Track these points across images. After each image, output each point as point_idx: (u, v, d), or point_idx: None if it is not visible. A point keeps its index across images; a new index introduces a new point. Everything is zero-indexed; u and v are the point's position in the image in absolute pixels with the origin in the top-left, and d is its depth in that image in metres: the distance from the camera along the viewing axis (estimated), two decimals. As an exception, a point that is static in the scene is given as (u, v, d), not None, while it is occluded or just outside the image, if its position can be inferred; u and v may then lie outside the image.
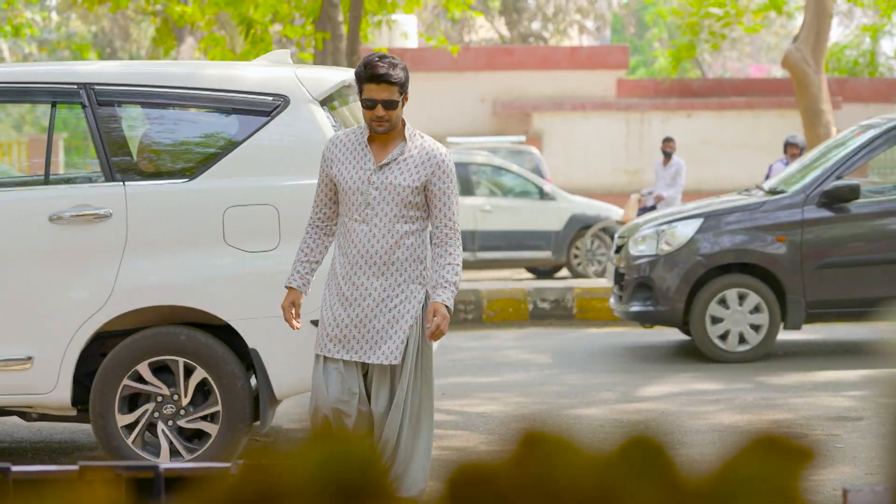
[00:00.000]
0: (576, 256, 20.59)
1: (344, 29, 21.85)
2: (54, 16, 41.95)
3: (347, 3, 21.40)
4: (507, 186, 21.07)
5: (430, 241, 6.18)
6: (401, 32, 32.47)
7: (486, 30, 50.18)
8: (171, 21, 25.19)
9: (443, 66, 30.16)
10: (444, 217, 6.17)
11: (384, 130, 6.09)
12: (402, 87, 6.06)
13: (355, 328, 6.12)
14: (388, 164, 6.12)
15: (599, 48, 33.04)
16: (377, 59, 6.05)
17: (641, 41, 60.29)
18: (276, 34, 29.10)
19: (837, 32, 49.58)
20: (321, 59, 25.04)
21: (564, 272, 21.60)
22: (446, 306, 6.03)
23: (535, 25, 48.77)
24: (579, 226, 20.63)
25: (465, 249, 19.90)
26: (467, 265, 19.84)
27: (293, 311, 6.22)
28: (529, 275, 21.60)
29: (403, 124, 6.18)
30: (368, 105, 6.05)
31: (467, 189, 20.63)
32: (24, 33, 32.96)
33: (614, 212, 21.03)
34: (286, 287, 6.28)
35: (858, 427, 9.13)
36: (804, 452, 1.10)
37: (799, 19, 37.54)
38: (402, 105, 6.09)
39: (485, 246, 20.44)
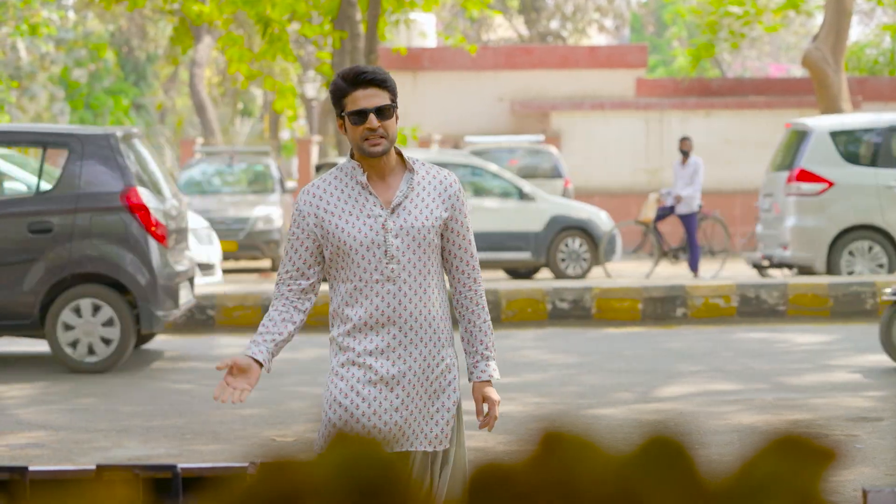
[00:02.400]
0: (563, 260, 20.51)
1: (362, 28, 21.87)
2: (71, 15, 42.07)
3: (366, 2, 21.41)
4: (486, 187, 20.88)
5: (454, 293, 5.02)
6: (419, 32, 32.49)
7: (504, 29, 50.19)
8: (188, 20, 25.23)
9: (461, 66, 30.17)
10: (469, 261, 5.00)
11: (381, 150, 4.78)
12: (394, 94, 4.85)
13: (396, 412, 4.87)
14: (400, 203, 4.86)
15: (618, 47, 33.02)
16: (356, 66, 4.89)
17: (661, 40, 60.25)
18: (294, 33, 29.13)
19: (857, 31, 49.50)
20: (339, 58, 25.06)
21: (543, 273, 21.53)
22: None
23: (554, 24, 48.76)
24: (560, 227, 20.50)
25: None
26: None
27: (232, 379, 4.92)
28: (547, 276, 21.59)
29: (398, 152, 4.94)
30: (356, 119, 4.76)
31: None
32: (41, 32, 33.07)
33: (595, 213, 20.90)
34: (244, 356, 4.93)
35: (878, 428, 9.12)
36: (825, 453, 1.10)
37: (818, 18, 37.47)
38: (396, 120, 4.86)
39: None
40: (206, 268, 17.68)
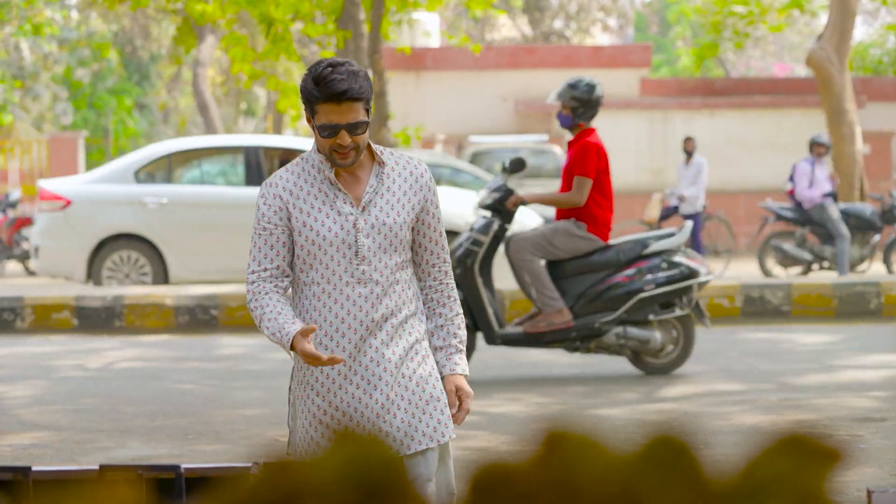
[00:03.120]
0: None
1: (365, 27, 21.87)
2: (74, 14, 42.10)
3: (369, 2, 21.41)
4: (464, 187, 20.75)
5: (424, 286, 4.74)
6: (422, 31, 32.50)
7: (508, 28, 50.20)
8: (191, 20, 25.24)
9: (465, 65, 30.17)
10: (440, 254, 4.72)
11: (350, 162, 4.49)
12: (368, 102, 4.48)
13: (378, 418, 4.57)
14: (371, 200, 4.57)
15: (622, 47, 33.02)
16: (330, 69, 4.44)
17: (664, 40, 60.24)
18: (297, 33, 29.14)
19: (862, 31, 49.47)
20: (342, 57, 25.02)
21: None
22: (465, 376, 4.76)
23: (558, 24, 48.76)
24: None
25: None
26: None
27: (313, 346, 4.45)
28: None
29: (368, 146, 4.63)
30: (327, 133, 4.44)
31: None
32: (45, 32, 33.10)
33: None
34: (288, 342, 4.41)
35: (882, 428, 9.11)
36: (830, 453, 1.10)
37: (823, 18, 37.46)
38: (368, 126, 4.52)
39: None
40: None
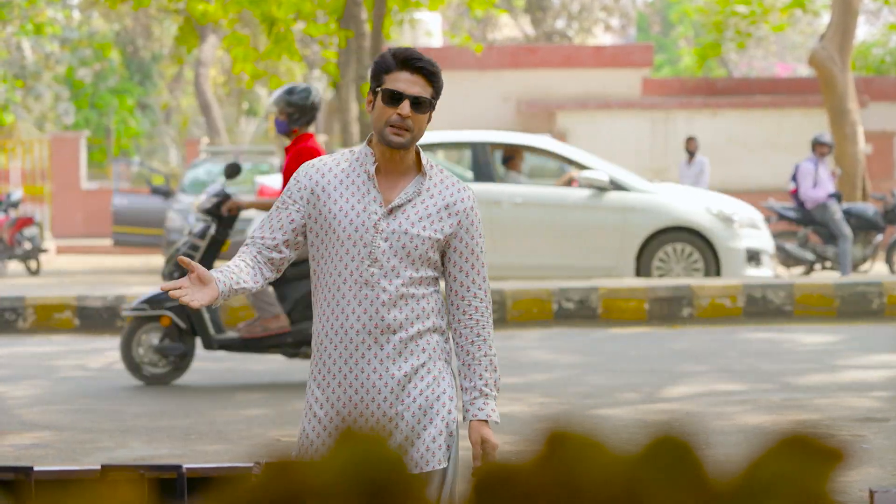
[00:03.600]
0: None
1: (368, 27, 21.87)
2: (76, 14, 42.10)
3: (371, 2, 21.40)
4: None
5: (453, 320, 4.47)
6: (424, 31, 32.51)
7: (510, 28, 50.19)
8: (193, 19, 25.24)
9: (467, 65, 30.17)
10: (473, 286, 4.45)
11: (401, 143, 4.31)
12: (438, 93, 4.40)
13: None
14: (401, 206, 4.37)
15: (624, 47, 33.00)
16: (413, 49, 4.44)
17: (667, 39, 60.23)
18: (299, 32, 29.14)
19: (864, 31, 49.45)
20: (345, 57, 25.06)
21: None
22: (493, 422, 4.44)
23: (560, 23, 48.76)
24: None
25: None
26: None
27: (189, 284, 4.23)
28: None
29: (418, 153, 4.45)
30: (391, 99, 4.30)
31: None
32: (46, 32, 33.10)
33: None
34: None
35: (884, 428, 9.11)
36: (832, 453, 1.09)
37: (825, 18, 37.44)
38: (428, 121, 4.40)
39: None
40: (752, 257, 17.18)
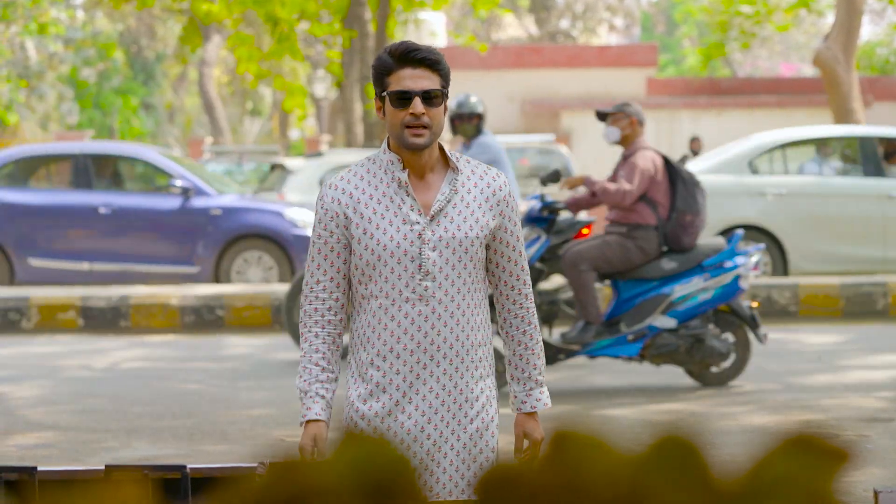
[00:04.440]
0: None
1: (371, 27, 21.87)
2: (80, 14, 42.12)
3: (375, 2, 21.41)
4: None
5: (501, 311, 4.29)
6: (429, 31, 32.50)
7: (514, 28, 50.20)
8: (197, 19, 25.25)
9: (471, 65, 30.17)
10: (523, 273, 4.24)
11: (423, 143, 4.02)
12: (447, 80, 4.11)
13: (427, 455, 4.12)
14: (442, 209, 4.08)
15: (629, 46, 33.00)
16: (407, 42, 4.14)
17: (671, 39, 60.22)
18: (303, 32, 29.16)
19: (868, 31, 49.46)
20: (348, 57, 25.07)
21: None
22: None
23: (564, 23, 48.76)
24: None
25: None
26: None
27: (317, 451, 4.05)
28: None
29: (441, 150, 4.17)
30: (400, 100, 4.02)
31: None
32: (50, 32, 33.12)
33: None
34: (303, 422, 4.07)
35: (890, 428, 9.10)
36: (837, 453, 1.09)
37: (829, 18, 37.44)
38: (446, 110, 4.10)
39: None
40: None
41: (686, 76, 40.05)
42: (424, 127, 3.99)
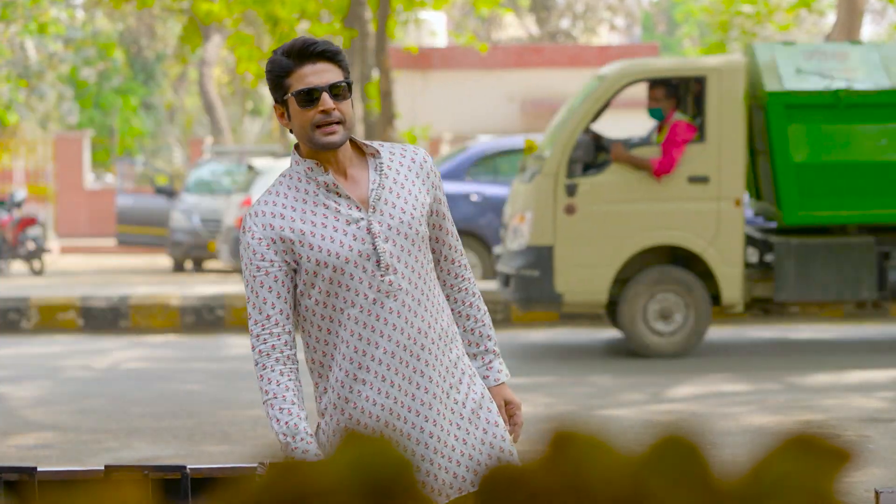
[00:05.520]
0: None
1: (372, 27, 21.88)
2: (80, 13, 42.13)
3: (376, 1, 21.41)
4: None
5: (445, 286, 4.07)
6: (429, 30, 32.51)
7: (514, 28, 50.21)
8: (197, 19, 25.26)
9: (471, 65, 30.18)
10: (457, 247, 4.07)
11: (339, 139, 3.79)
12: (348, 73, 3.87)
13: (434, 454, 3.87)
14: (378, 198, 3.85)
15: (629, 46, 33.01)
16: (301, 37, 3.92)
17: (672, 39, 60.24)
18: (303, 32, 29.15)
19: (869, 30, 49.49)
20: (349, 57, 25.02)
21: None
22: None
23: (565, 23, 48.78)
24: None
25: None
26: None
27: None
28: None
29: (352, 141, 3.91)
30: (307, 99, 3.77)
31: None
32: (50, 31, 33.14)
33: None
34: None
35: (890, 429, 9.10)
36: (838, 453, 1.09)
37: (830, 17, 37.46)
38: (352, 104, 3.89)
39: None
40: None
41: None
42: (337, 122, 3.75)
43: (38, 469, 3.65)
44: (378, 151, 3.87)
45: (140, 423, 9.64)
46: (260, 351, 3.77)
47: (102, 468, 3.59)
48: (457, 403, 3.88)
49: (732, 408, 9.92)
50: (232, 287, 15.82)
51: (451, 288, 4.03)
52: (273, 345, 3.76)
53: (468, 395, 3.91)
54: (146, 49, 46.18)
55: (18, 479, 3.65)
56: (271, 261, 3.77)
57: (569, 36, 48.34)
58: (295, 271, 3.80)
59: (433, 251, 3.99)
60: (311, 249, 3.76)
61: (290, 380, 3.77)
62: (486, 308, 4.09)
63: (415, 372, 3.81)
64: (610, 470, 1.09)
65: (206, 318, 14.81)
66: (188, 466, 3.81)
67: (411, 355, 3.80)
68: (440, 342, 3.87)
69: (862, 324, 14.66)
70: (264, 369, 3.77)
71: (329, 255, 3.75)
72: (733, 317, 14.97)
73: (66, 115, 41.57)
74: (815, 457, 1.09)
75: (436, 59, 30.23)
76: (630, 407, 10.05)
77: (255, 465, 3.79)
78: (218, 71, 46.07)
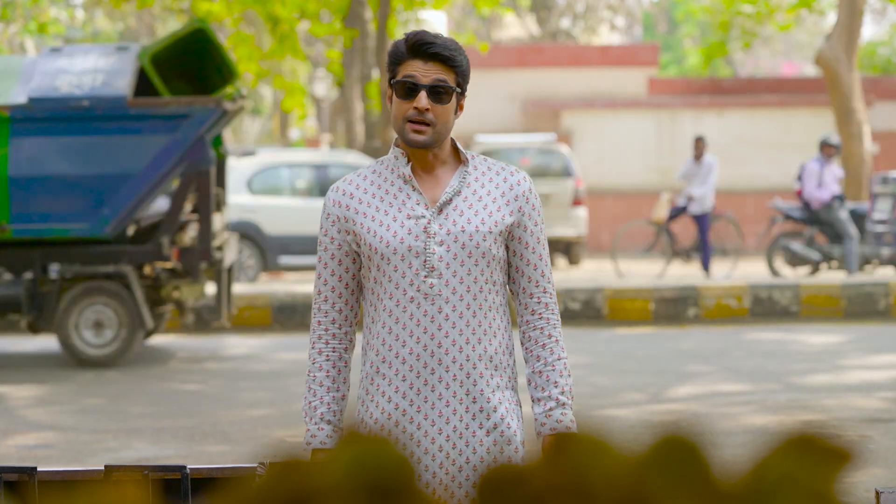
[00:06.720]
0: None
1: (372, 26, 21.88)
2: (80, 13, 42.12)
3: (376, 1, 21.42)
4: None
5: (520, 322, 3.88)
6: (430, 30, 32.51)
7: (515, 27, 50.22)
8: (197, 19, 25.25)
9: (472, 64, 30.11)
10: (542, 280, 3.85)
11: (423, 141, 3.74)
12: (463, 77, 3.80)
13: (434, 476, 3.75)
14: (450, 201, 3.78)
15: (630, 46, 33.02)
16: (424, 31, 3.86)
17: (672, 39, 60.25)
18: (303, 32, 29.17)
19: (870, 30, 49.53)
20: (349, 57, 25.06)
21: None
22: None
23: (565, 23, 48.78)
24: None
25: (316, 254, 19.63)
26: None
27: None
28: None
29: (454, 146, 3.87)
30: (405, 92, 3.73)
31: (324, 192, 20.29)
32: (50, 31, 33.14)
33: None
34: (308, 448, 3.78)
35: (891, 429, 9.10)
36: (839, 454, 1.09)
37: (831, 17, 37.46)
38: (457, 111, 3.80)
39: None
40: None
41: (687, 76, 40.05)
42: (427, 124, 3.70)
43: (38, 469, 3.65)
44: (472, 163, 3.84)
45: (140, 424, 9.64)
46: (311, 328, 3.85)
47: (102, 468, 3.58)
48: (481, 429, 3.74)
49: (733, 408, 9.92)
50: (233, 287, 15.83)
51: (527, 324, 3.85)
52: (319, 321, 3.82)
53: (497, 427, 3.75)
54: (147, 49, 46.12)
55: (18, 479, 3.64)
56: (332, 238, 3.81)
57: (569, 36, 48.34)
58: (357, 253, 3.82)
59: (512, 280, 3.86)
60: (368, 233, 3.76)
61: (326, 360, 3.79)
62: (564, 355, 3.86)
63: (440, 381, 3.72)
64: (610, 470, 1.09)
65: (207, 318, 14.81)
66: (188, 466, 3.80)
67: (439, 364, 3.72)
68: (479, 363, 3.73)
69: (862, 324, 14.66)
70: (310, 347, 3.84)
71: (380, 243, 3.74)
72: (734, 317, 14.98)
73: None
74: (815, 457, 1.09)
75: (437, 59, 30.19)
76: (630, 407, 10.05)
77: (255, 465, 3.79)
78: (219, 71, 46.05)
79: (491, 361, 3.75)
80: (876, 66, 35.37)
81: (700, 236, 20.01)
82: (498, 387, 3.76)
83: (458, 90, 3.76)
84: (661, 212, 20.72)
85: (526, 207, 3.81)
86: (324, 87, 41.77)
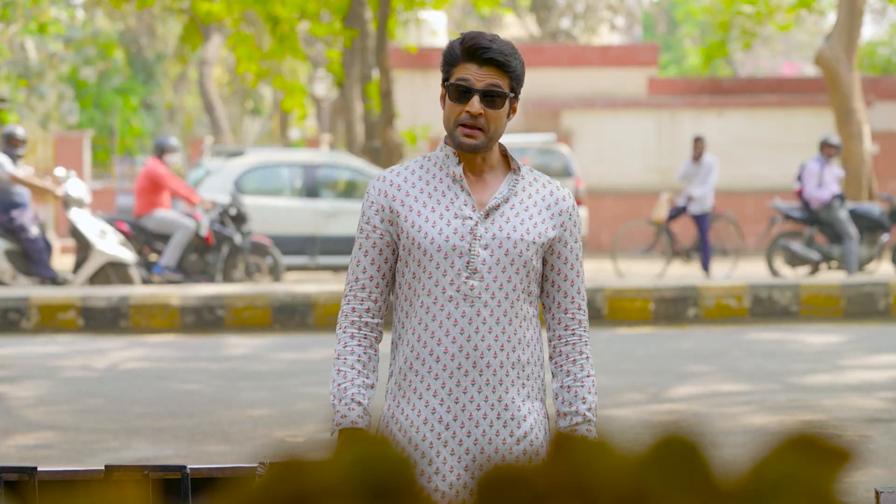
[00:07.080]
0: None
1: (372, 26, 21.87)
2: (80, 13, 42.13)
3: (376, 1, 21.41)
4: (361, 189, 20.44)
5: (552, 337, 3.93)
6: (429, 30, 32.49)
7: (515, 27, 50.22)
8: (197, 19, 25.25)
9: (472, 65, 30.14)
10: (578, 296, 3.90)
11: (474, 145, 3.75)
12: (517, 81, 3.78)
13: (459, 479, 3.75)
14: (497, 206, 3.80)
15: (630, 46, 33.01)
16: (481, 33, 3.82)
17: (672, 39, 60.25)
18: (304, 32, 29.16)
19: (870, 30, 49.53)
20: (349, 57, 25.05)
21: None
22: None
23: (565, 23, 48.78)
24: None
25: (304, 254, 19.72)
26: (308, 271, 19.91)
27: None
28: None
29: (505, 153, 3.88)
30: (457, 95, 3.73)
31: (314, 192, 20.19)
32: (50, 31, 33.14)
33: None
34: (336, 430, 3.74)
35: (891, 429, 9.10)
36: (839, 454, 1.09)
37: (831, 17, 37.45)
38: (510, 115, 3.79)
39: (326, 251, 19.79)
40: None
41: (687, 76, 40.04)
42: (479, 128, 3.72)
43: (38, 469, 3.65)
44: (521, 172, 3.85)
45: (140, 423, 9.64)
46: (343, 311, 3.83)
47: (102, 468, 3.58)
48: (511, 437, 3.75)
49: (732, 408, 9.92)
50: (232, 287, 15.82)
51: (559, 339, 3.88)
52: (354, 307, 3.81)
53: (526, 436, 3.76)
54: (146, 49, 46.17)
55: (18, 479, 3.64)
56: (374, 227, 3.80)
57: (569, 36, 48.34)
58: (397, 245, 3.81)
59: (546, 294, 3.88)
60: (412, 227, 3.76)
61: (359, 345, 3.78)
62: (593, 372, 3.90)
63: (473, 384, 3.74)
64: (610, 470, 1.09)
65: (206, 318, 14.80)
66: (188, 466, 3.80)
67: (473, 366, 3.73)
68: (512, 371, 3.75)
69: (862, 324, 14.66)
70: (340, 329, 3.82)
71: (425, 238, 3.74)
72: (734, 317, 14.98)
73: (66, 114, 41.55)
74: (815, 457, 1.09)
75: (436, 59, 30.15)
76: (630, 407, 10.05)
77: (255, 465, 3.79)
78: (218, 71, 46.08)
79: (523, 370, 3.78)
80: (876, 66, 35.37)
81: (700, 236, 20.02)
82: (528, 396, 3.79)
83: (512, 94, 3.76)
84: (661, 212, 20.73)
85: (568, 223, 3.86)
86: (324, 88, 41.79)
